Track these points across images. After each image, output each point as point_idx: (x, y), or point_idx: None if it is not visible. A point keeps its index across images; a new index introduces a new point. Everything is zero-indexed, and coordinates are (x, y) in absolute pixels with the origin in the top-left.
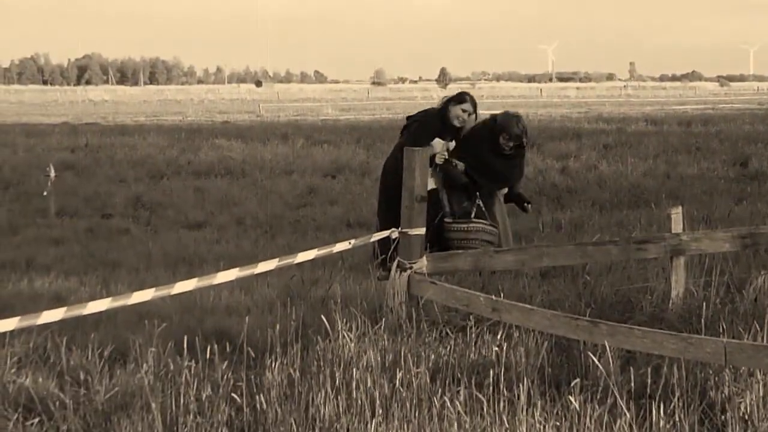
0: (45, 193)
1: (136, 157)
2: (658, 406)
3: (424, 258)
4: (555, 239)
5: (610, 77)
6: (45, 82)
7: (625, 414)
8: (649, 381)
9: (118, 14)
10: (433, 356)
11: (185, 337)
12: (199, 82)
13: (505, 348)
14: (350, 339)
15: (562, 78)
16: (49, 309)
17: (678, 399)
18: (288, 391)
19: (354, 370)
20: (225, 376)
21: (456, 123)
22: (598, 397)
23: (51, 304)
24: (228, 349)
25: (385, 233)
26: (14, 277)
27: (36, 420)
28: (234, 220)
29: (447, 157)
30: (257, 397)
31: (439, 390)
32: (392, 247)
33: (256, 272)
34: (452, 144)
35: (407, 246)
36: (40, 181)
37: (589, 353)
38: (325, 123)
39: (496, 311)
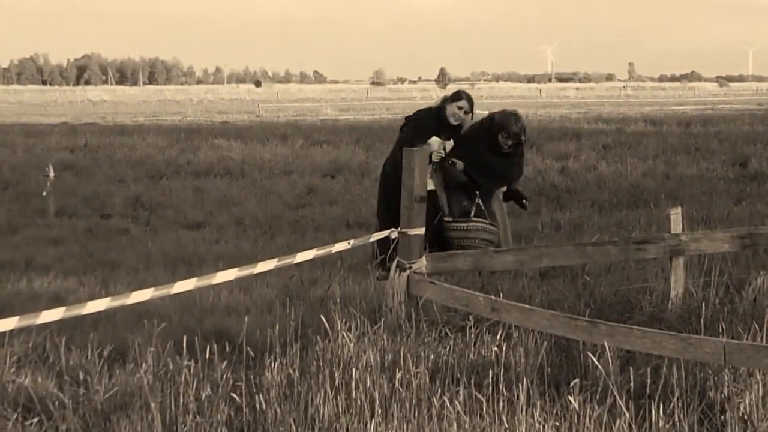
0: (44, 193)
1: (135, 157)
2: (658, 407)
3: (424, 258)
4: (554, 239)
5: (610, 78)
6: (44, 82)
7: (624, 414)
8: (648, 381)
9: (118, 14)
10: (432, 356)
11: (184, 337)
12: (199, 82)
13: (504, 348)
14: (349, 339)
15: (562, 78)
16: (48, 309)
17: (677, 399)
18: (287, 391)
19: (353, 370)
20: (224, 376)
21: (452, 121)
22: (598, 397)
23: (50, 304)
24: (227, 348)
25: (384, 233)
26: (13, 276)
27: (35, 420)
28: (233, 220)
29: (444, 155)
30: (256, 396)
31: (439, 390)
32: (392, 247)
33: (255, 272)
34: (450, 143)
35: (406, 246)
36: (39, 181)
37: (589, 353)
38: (324, 123)
39: (496, 311)
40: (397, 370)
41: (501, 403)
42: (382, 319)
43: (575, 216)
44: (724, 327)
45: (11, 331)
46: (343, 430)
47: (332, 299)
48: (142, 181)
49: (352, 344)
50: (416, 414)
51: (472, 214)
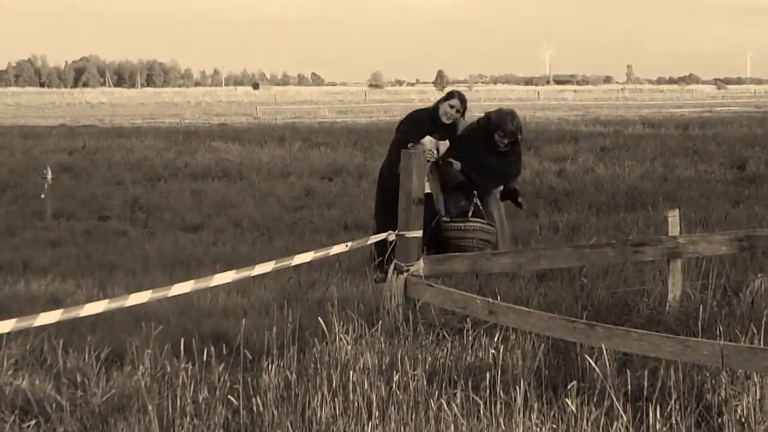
0: (42, 196)
1: (133, 159)
2: (655, 409)
3: (421, 260)
4: (552, 242)
5: (608, 80)
6: (42, 85)
7: (621, 417)
8: (645, 384)
9: (116, 17)
10: (429, 359)
11: (182, 340)
12: (196, 84)
13: (501, 350)
14: (347, 341)
15: (560, 81)
16: (45, 311)
17: (675, 402)
18: (285, 393)
19: (351, 372)
20: (222, 379)
21: (444, 120)
22: (595, 399)
23: (48, 306)
24: (225, 351)
25: (382, 236)
26: (11, 279)
27: (33, 422)
28: (231, 223)
29: (436, 154)
30: (254, 399)
31: (436, 392)
32: (389, 250)
33: (253, 274)
34: (445, 143)
35: (404, 248)
36: (37, 183)
37: (586, 356)
38: (322, 125)
39: (493, 314)
40: (394, 372)
41: (498, 406)
42: (380, 322)
43: (573, 218)
44: (721, 329)
45: (9, 334)
46: None
47: (330, 302)
48: (140, 183)
49: (349, 347)
50: (413, 416)
51: (470, 213)
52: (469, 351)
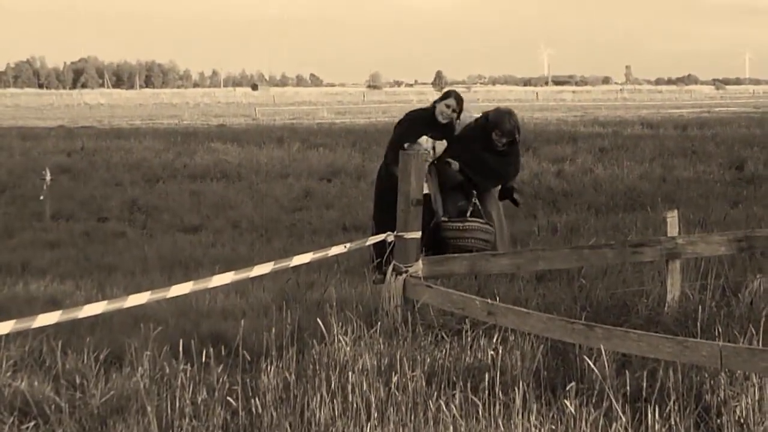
0: (41, 197)
1: (131, 160)
2: (654, 410)
3: (420, 261)
4: (551, 243)
5: (606, 81)
6: (41, 86)
7: (620, 418)
8: (644, 384)
9: (115, 17)
10: (428, 360)
11: (181, 341)
12: (195, 85)
13: (500, 351)
14: (346, 342)
15: (558, 81)
16: (44, 312)
17: (674, 402)
18: (283, 394)
19: (349, 373)
20: (220, 380)
21: (441, 119)
22: (594, 400)
23: (46, 308)
24: (223, 352)
25: (380, 237)
26: (10, 280)
27: (31, 424)
28: (230, 224)
29: (433, 154)
30: (253, 400)
31: (435, 393)
32: (388, 251)
33: (251, 276)
34: (442, 143)
35: (403, 249)
36: (36, 184)
37: (585, 357)
38: (320, 126)
39: (492, 315)
40: (393, 373)
41: (497, 407)
42: (379, 323)
43: (572, 219)
44: (720, 330)
45: (7, 335)
46: None
47: (329, 303)
48: (139, 184)
49: (348, 348)
50: (412, 418)
51: (469, 213)
52: (468, 352)
